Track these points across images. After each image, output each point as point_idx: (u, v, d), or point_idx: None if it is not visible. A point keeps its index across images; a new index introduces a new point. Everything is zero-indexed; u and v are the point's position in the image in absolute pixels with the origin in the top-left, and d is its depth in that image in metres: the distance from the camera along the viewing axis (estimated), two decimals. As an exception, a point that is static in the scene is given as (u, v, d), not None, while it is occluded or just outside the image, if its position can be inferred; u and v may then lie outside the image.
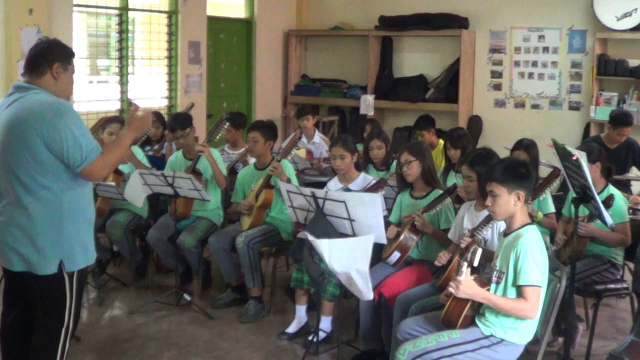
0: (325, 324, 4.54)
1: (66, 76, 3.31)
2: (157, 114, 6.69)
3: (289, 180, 4.89)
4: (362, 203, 4.03)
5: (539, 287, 3.18)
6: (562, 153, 3.90)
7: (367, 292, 3.83)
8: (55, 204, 3.18)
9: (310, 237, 3.79)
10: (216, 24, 8.99)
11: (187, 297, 5.17)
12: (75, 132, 3.14)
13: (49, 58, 3.26)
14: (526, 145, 4.99)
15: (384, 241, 4.16)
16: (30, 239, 3.19)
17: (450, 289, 3.19)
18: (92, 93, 7.82)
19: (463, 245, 3.74)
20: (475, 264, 3.19)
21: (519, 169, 3.33)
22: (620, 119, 6.21)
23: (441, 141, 6.08)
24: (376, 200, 4.03)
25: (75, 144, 3.13)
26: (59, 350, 3.31)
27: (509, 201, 3.27)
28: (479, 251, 3.20)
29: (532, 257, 3.17)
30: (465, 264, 3.16)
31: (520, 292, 3.19)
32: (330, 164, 6.30)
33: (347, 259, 3.75)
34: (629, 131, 6.21)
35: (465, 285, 3.15)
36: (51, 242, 3.20)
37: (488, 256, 3.62)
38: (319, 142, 6.95)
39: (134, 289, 5.61)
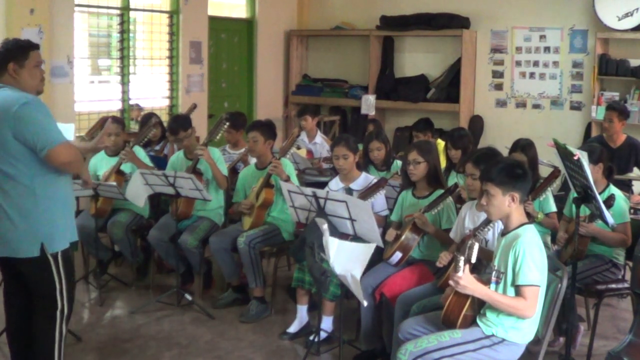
0: (327, 323, 4.54)
1: (25, 71, 3.46)
2: (156, 116, 6.71)
3: (288, 178, 4.89)
4: (358, 206, 4.11)
5: (537, 286, 3.18)
6: (564, 153, 3.90)
7: (359, 298, 3.84)
8: (28, 191, 3.35)
9: (322, 231, 3.78)
10: (217, 24, 8.99)
11: (188, 297, 5.18)
12: (41, 119, 3.32)
13: (2, 59, 3.44)
14: (523, 146, 4.91)
15: (380, 244, 4.17)
16: (12, 223, 3.35)
17: (450, 282, 3.18)
18: (93, 93, 7.82)
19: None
20: (473, 260, 3.18)
21: (516, 170, 3.32)
22: (609, 103, 6.39)
23: (441, 142, 6.05)
24: (367, 207, 4.13)
25: (39, 129, 3.30)
26: (56, 333, 3.47)
27: (503, 202, 3.27)
28: (476, 246, 3.19)
29: (531, 256, 3.17)
30: (462, 258, 3.15)
31: (518, 291, 3.19)
32: (331, 164, 6.32)
33: (347, 262, 3.74)
34: (615, 118, 6.17)
35: (465, 280, 3.15)
36: (30, 226, 3.36)
37: (489, 256, 3.61)
38: (321, 143, 6.96)
39: (135, 288, 5.62)
